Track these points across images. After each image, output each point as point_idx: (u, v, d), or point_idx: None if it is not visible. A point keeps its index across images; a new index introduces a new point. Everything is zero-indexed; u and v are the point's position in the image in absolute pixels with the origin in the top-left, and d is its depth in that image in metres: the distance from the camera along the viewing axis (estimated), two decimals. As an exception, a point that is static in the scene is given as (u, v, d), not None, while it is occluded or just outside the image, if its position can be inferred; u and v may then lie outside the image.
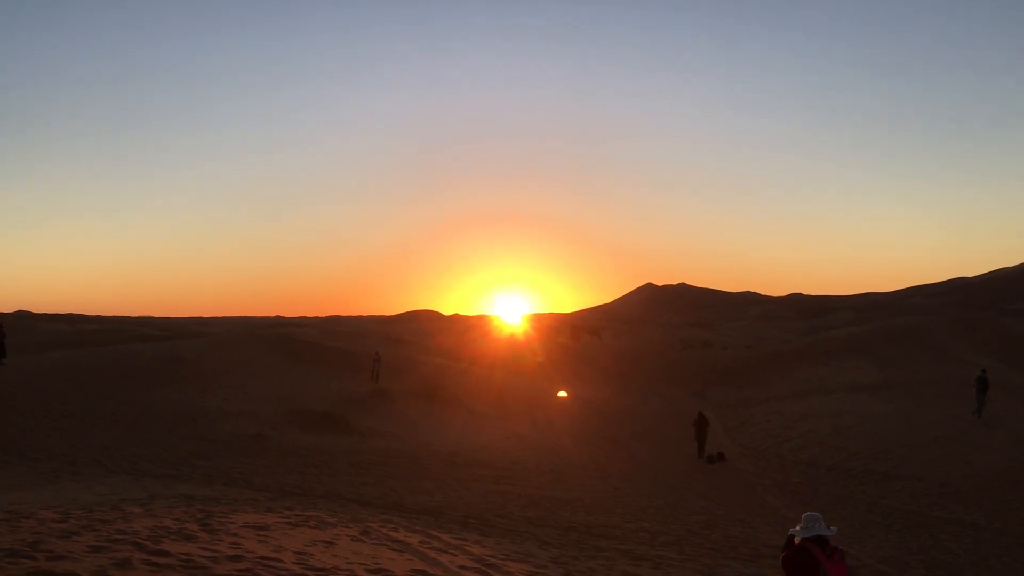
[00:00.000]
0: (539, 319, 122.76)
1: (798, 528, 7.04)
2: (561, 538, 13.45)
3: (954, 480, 22.10)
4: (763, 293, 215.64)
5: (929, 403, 32.37)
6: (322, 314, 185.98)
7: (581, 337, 79.16)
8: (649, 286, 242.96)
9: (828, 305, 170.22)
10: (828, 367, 51.19)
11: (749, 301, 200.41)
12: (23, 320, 73.57)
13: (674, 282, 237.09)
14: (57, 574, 5.90)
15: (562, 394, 44.75)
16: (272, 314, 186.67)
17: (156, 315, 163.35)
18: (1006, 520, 18.40)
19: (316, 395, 32.24)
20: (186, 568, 6.69)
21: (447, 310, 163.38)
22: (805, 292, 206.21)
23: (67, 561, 6.32)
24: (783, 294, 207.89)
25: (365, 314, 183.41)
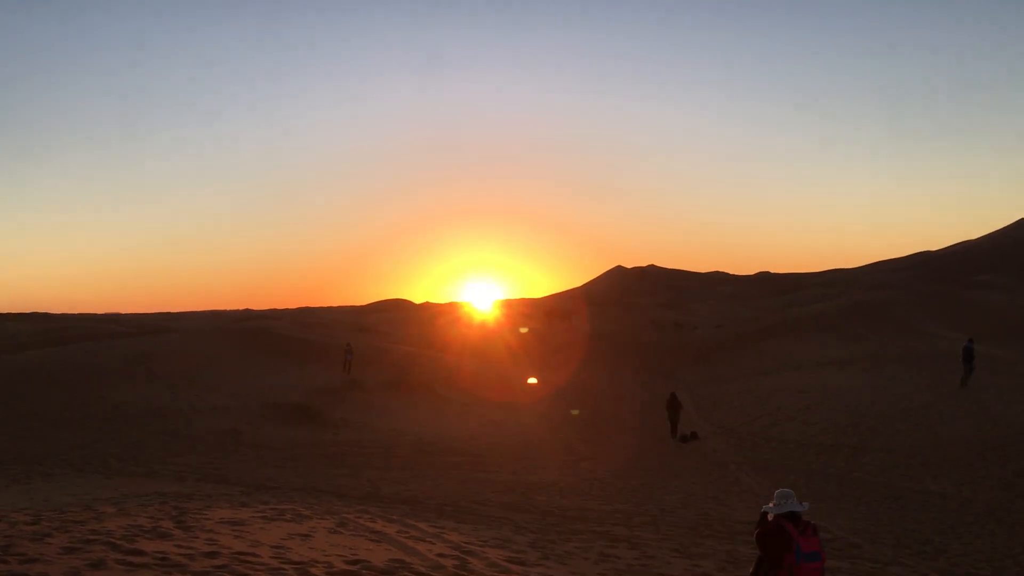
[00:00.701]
0: (510, 304, 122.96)
1: (771, 505, 7.13)
2: (538, 523, 13.53)
3: (921, 451, 22.51)
4: (732, 272, 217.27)
5: (896, 377, 32.89)
6: (292, 306, 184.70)
7: (555, 322, 79.31)
8: (618, 268, 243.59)
9: (796, 282, 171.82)
10: (797, 343, 51.79)
11: (718, 280, 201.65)
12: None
13: (643, 264, 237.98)
14: (30, 578, 5.84)
15: (532, 380, 44.86)
16: (241, 307, 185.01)
17: (123, 311, 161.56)
18: (973, 489, 18.79)
19: (288, 388, 32.06)
20: (162, 566, 6.65)
21: (418, 298, 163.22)
22: (773, 270, 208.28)
23: (40, 564, 6.26)
24: (751, 273, 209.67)
25: (335, 305, 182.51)
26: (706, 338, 63.85)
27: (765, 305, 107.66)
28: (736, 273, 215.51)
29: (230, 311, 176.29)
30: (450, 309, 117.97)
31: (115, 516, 9.06)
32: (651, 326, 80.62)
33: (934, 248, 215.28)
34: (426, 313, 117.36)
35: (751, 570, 7.26)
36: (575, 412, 44.23)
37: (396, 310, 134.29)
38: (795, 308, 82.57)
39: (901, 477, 20.72)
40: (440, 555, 9.09)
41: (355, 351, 39.66)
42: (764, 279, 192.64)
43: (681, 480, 20.86)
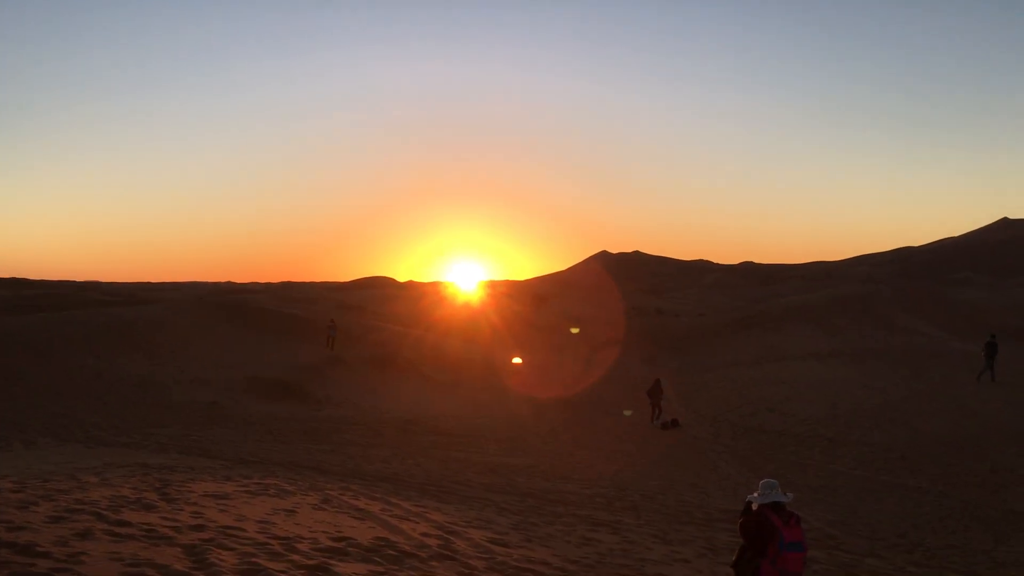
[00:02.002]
0: (494, 286, 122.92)
1: (756, 495, 7.22)
2: (519, 504, 13.60)
3: (899, 446, 22.76)
4: (716, 261, 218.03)
5: (876, 371, 33.19)
6: (274, 280, 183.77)
7: (539, 305, 79.34)
8: (603, 254, 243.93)
9: (778, 273, 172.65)
10: (779, 335, 52.07)
11: (702, 269, 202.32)
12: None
13: (628, 250, 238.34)
14: (19, 545, 5.82)
15: (516, 360, 44.94)
16: (223, 279, 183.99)
17: (102, 280, 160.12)
18: (949, 484, 19.03)
19: (271, 363, 31.97)
20: (149, 538, 6.64)
21: (402, 277, 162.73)
22: (756, 260, 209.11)
23: (27, 532, 6.24)
24: (735, 262, 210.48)
25: (318, 280, 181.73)
26: (689, 326, 64.09)
27: (748, 295, 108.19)
28: (720, 262, 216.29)
29: (211, 283, 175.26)
30: (434, 288, 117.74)
31: (99, 486, 9.03)
32: (634, 312, 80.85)
33: (916, 244, 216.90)
34: (410, 292, 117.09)
35: (734, 558, 7.34)
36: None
37: (380, 287, 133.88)
38: (778, 299, 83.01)
39: (878, 471, 20.95)
40: (424, 534, 9.14)
41: (339, 328, 39.56)
42: (748, 269, 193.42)
43: (662, 467, 21.01)
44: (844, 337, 47.41)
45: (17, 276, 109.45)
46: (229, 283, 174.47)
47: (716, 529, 13.22)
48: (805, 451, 23.78)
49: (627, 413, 35.91)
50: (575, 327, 40.61)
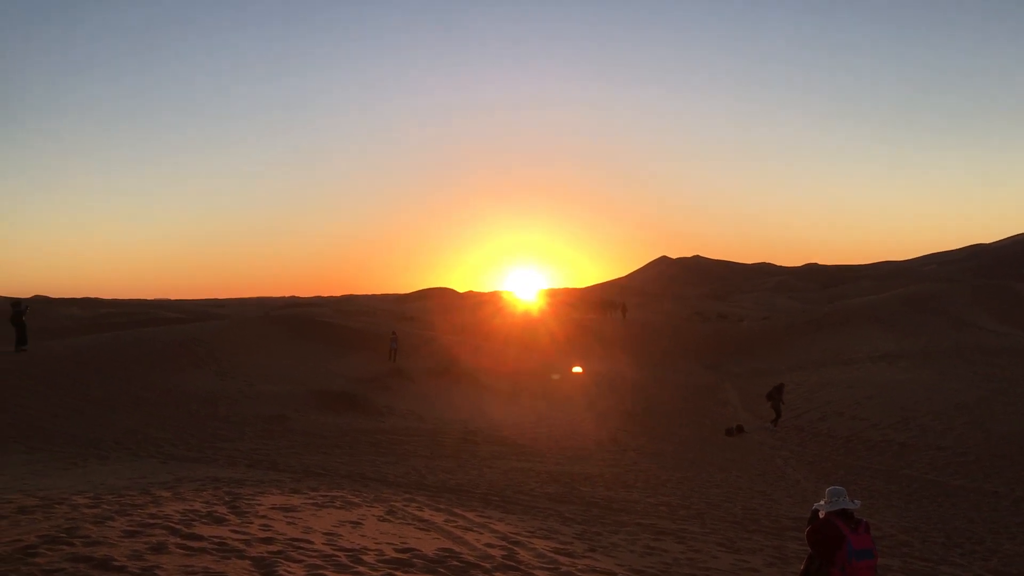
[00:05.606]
0: (554, 294, 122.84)
1: (822, 502, 7.13)
2: (583, 514, 13.55)
3: (973, 449, 22.08)
4: (779, 264, 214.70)
5: (948, 372, 32.26)
6: (336, 293, 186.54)
7: (600, 313, 78.89)
8: (664, 259, 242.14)
9: (845, 274, 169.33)
10: (846, 337, 50.97)
11: (765, 272, 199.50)
12: (41, 305, 74.11)
13: (689, 254, 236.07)
14: (96, 559, 6.01)
15: (577, 369, 44.80)
16: (287, 294, 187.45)
17: (172, 298, 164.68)
18: (1027, 488, 18.39)
19: (335, 375, 32.45)
20: (220, 551, 6.80)
21: (461, 287, 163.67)
22: (821, 262, 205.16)
23: (104, 547, 6.44)
24: (799, 264, 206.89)
25: (379, 293, 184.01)
26: (752, 330, 63.16)
27: (813, 297, 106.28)
28: (783, 264, 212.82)
29: (276, 298, 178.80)
30: (494, 298, 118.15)
31: (171, 500, 9.27)
32: (696, 317, 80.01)
33: (987, 241, 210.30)
34: (469, 301, 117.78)
35: (803, 567, 7.23)
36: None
37: (439, 298, 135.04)
38: (844, 300, 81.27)
39: (952, 475, 20.34)
40: (488, 545, 9.16)
41: (400, 339, 40.01)
42: (812, 270, 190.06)
43: (727, 474, 20.72)
44: (914, 338, 46.17)
45: (91, 295, 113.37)
46: (293, 298, 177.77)
47: (785, 537, 12.98)
48: (876, 456, 23.22)
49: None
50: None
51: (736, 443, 26.49)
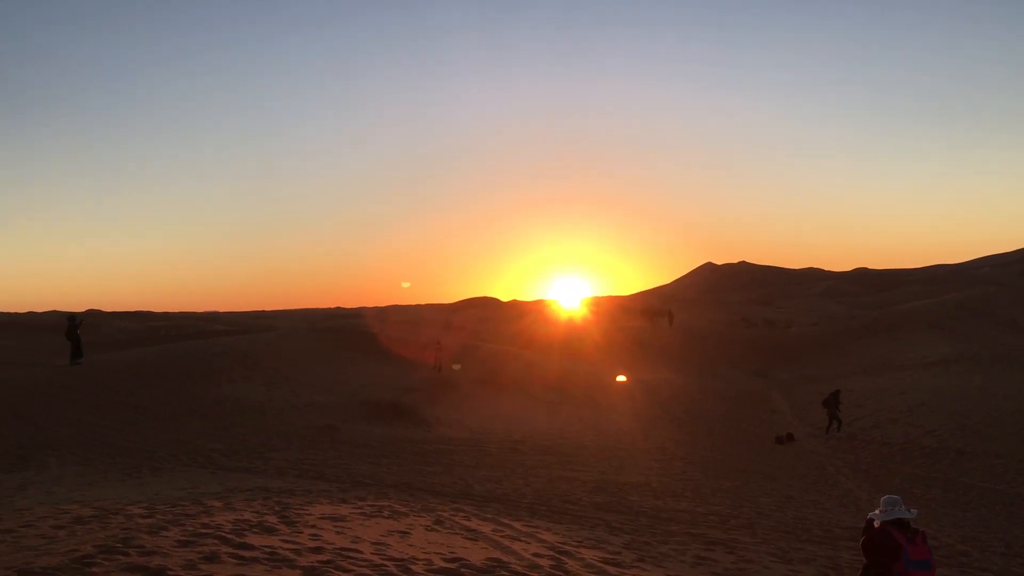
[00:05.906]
0: (598, 302, 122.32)
1: (878, 512, 6.96)
2: (631, 523, 13.43)
3: (1034, 456, 21.49)
4: (826, 269, 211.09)
5: (1003, 377, 31.46)
6: (381, 303, 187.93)
7: (659, 320, 78.27)
8: (709, 265, 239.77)
9: (895, 279, 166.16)
10: (897, 342, 50.02)
11: (812, 277, 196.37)
12: (94, 318, 75.86)
13: (734, 260, 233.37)
14: (151, 569, 6.11)
15: (621, 378, 44.56)
16: (332, 305, 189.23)
17: (221, 310, 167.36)
18: (1092, 496, 17.83)
19: (381, 385, 32.69)
20: (271, 561, 6.87)
21: (505, 296, 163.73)
22: (870, 266, 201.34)
23: (158, 556, 6.54)
24: (847, 269, 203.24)
25: (423, 303, 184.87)
26: (801, 336, 62.27)
27: (863, 302, 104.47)
28: (832, 269, 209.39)
29: (322, 309, 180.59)
30: (537, 307, 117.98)
31: (223, 510, 9.40)
32: (742, 324, 79.13)
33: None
34: (513, 311, 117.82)
35: (858, 578, 7.08)
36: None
37: (483, 307, 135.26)
38: (895, 305, 79.77)
39: (1011, 483, 19.81)
40: (536, 555, 9.12)
41: (445, 349, 40.17)
42: (861, 275, 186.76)
43: (777, 482, 20.41)
44: (968, 342, 45.14)
45: (143, 309, 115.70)
46: (338, 308, 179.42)
47: (839, 547, 12.73)
48: (932, 464, 22.70)
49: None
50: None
51: (786, 451, 26.09)
